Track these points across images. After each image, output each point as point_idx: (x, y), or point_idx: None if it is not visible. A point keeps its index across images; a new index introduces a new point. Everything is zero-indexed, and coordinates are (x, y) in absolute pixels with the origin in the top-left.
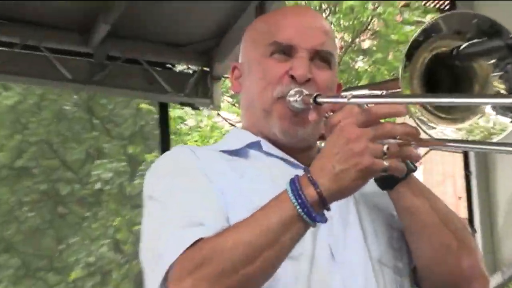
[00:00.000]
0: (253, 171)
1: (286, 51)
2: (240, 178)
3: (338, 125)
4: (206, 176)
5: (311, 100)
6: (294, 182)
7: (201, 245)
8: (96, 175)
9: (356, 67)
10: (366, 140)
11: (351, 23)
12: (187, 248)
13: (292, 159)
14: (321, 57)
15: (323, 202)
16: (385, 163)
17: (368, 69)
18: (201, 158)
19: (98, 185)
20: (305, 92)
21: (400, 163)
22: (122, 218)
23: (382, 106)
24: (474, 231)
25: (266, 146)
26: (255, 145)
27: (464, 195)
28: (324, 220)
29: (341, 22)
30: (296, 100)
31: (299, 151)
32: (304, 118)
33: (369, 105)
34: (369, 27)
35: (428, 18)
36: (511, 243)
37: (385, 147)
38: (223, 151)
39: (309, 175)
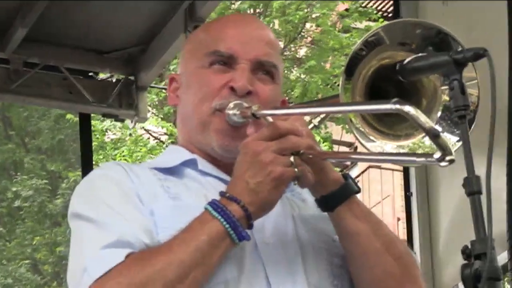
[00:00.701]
0: (186, 192)
1: (227, 61)
2: (172, 199)
3: (242, 143)
4: (136, 195)
5: (250, 113)
6: (214, 203)
7: (129, 265)
8: (14, 191)
9: (292, 77)
10: (272, 151)
11: (282, 27)
12: (114, 268)
13: (228, 178)
14: (264, 69)
15: (248, 217)
16: (296, 169)
17: (302, 77)
18: (132, 176)
19: (17, 203)
20: (245, 105)
21: (308, 172)
22: (41, 237)
23: (285, 122)
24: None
25: (202, 164)
26: (191, 163)
27: (403, 215)
28: (248, 238)
29: (272, 25)
30: (235, 114)
31: None
32: (243, 132)
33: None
34: (303, 33)
35: (368, 24)
36: (452, 268)
37: (291, 158)
38: (157, 169)
39: (227, 194)
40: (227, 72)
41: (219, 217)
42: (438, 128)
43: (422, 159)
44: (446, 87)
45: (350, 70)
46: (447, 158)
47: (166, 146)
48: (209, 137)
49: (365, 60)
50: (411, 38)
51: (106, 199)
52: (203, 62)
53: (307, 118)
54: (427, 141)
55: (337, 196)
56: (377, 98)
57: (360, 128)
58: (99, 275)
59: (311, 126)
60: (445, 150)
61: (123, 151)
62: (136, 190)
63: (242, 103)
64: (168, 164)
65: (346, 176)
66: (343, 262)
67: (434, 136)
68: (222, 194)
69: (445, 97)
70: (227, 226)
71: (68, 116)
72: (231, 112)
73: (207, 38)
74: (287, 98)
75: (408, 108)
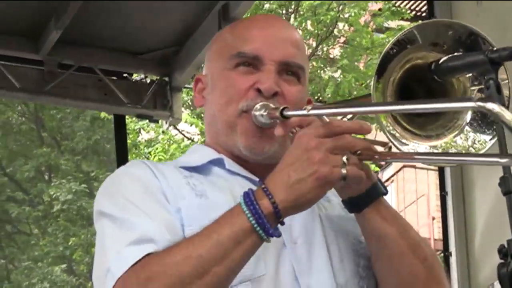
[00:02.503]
0: (213, 190)
1: (252, 63)
2: (199, 197)
3: (297, 135)
4: (161, 192)
5: (278, 114)
6: (248, 195)
7: (148, 260)
8: (51, 195)
9: (326, 76)
10: (325, 149)
11: (314, 27)
12: (135, 264)
13: (255, 178)
14: (290, 70)
15: (277, 214)
16: (344, 170)
17: (335, 76)
18: (157, 174)
19: (56, 207)
20: (272, 106)
21: (360, 171)
22: (77, 238)
23: (345, 121)
24: (449, 254)
25: (229, 163)
26: (218, 162)
27: (438, 215)
28: (278, 234)
29: (304, 25)
30: (262, 115)
31: (266, 169)
32: (270, 133)
33: (331, 117)
34: (335, 32)
35: (400, 23)
36: (488, 267)
37: (345, 158)
38: (183, 167)
39: (263, 187)
40: (253, 74)
41: (247, 211)
42: (469, 129)
43: (507, 160)
44: (476, 87)
45: (381, 70)
46: None
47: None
48: (235, 138)
49: (396, 59)
50: (443, 39)
51: (129, 196)
52: (228, 63)
53: None
54: (459, 140)
55: (365, 198)
56: (406, 98)
57: (391, 131)
58: (121, 273)
59: None
60: None
61: (157, 149)
62: (161, 187)
63: (269, 104)
64: (196, 162)
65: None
66: (369, 263)
67: None
68: (260, 183)
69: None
70: (253, 222)
71: (103, 115)
72: (257, 113)
73: (233, 39)
74: (321, 98)
75: (492, 105)
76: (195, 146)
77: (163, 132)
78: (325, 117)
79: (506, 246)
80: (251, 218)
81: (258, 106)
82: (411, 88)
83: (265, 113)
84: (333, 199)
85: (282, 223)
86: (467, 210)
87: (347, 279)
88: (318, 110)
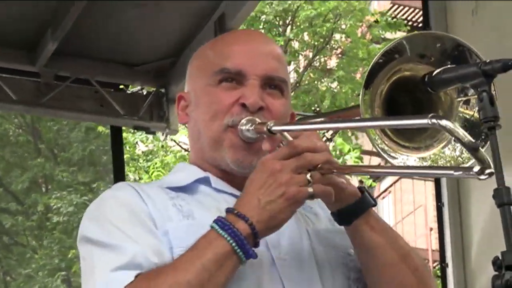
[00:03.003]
0: (200, 210)
1: (236, 78)
2: (186, 218)
3: (259, 161)
4: (148, 216)
5: (265, 129)
6: (220, 221)
7: (135, 284)
8: (46, 202)
9: (323, 87)
10: (289, 170)
11: (310, 38)
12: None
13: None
14: (273, 84)
15: (255, 235)
16: (310, 189)
17: (331, 88)
18: (144, 197)
19: (55, 218)
20: (258, 120)
21: (326, 187)
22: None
23: (302, 139)
24: (445, 265)
25: (214, 182)
26: (204, 181)
27: (435, 226)
28: (255, 256)
29: (301, 36)
30: (248, 129)
31: None
32: (257, 147)
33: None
34: (332, 44)
35: (397, 35)
36: (484, 278)
37: (309, 175)
38: (169, 188)
39: (236, 211)
40: (236, 89)
41: (226, 235)
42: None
43: (460, 172)
44: (462, 98)
45: (368, 81)
46: (487, 171)
47: None
48: (223, 153)
49: (383, 71)
50: (430, 51)
51: (115, 221)
52: (211, 80)
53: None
54: (448, 151)
55: (354, 210)
56: (393, 110)
57: (380, 145)
58: None
59: (323, 139)
60: (483, 163)
61: (156, 163)
62: (149, 211)
63: (255, 118)
64: (181, 182)
65: (362, 190)
66: (360, 276)
67: (473, 149)
68: (229, 210)
69: (462, 109)
70: (233, 244)
71: (99, 128)
72: (244, 128)
73: (214, 55)
74: (318, 109)
75: (446, 122)
76: (180, 165)
77: (162, 146)
78: (286, 133)
79: (500, 258)
80: (231, 241)
81: (244, 121)
82: (398, 100)
83: (251, 128)
84: (319, 213)
85: (257, 245)
86: (464, 221)
87: None
88: (303, 126)
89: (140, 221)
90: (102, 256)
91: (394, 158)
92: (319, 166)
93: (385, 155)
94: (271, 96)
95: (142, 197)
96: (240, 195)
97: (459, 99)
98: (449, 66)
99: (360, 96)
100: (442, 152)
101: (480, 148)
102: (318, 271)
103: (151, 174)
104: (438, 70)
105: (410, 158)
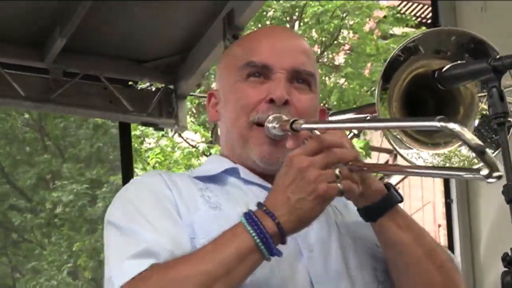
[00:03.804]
0: (227, 201)
1: (263, 72)
2: (213, 209)
3: (287, 156)
4: (173, 205)
5: (288, 127)
6: (250, 215)
7: (151, 274)
8: (54, 197)
9: (331, 83)
10: (317, 167)
11: (318, 35)
12: (137, 276)
13: (270, 185)
14: (300, 78)
15: (282, 234)
16: (340, 185)
17: (339, 84)
18: (171, 186)
19: (59, 209)
20: (284, 118)
21: (354, 185)
22: (82, 243)
23: (331, 133)
24: None
25: (244, 173)
26: (233, 172)
27: (444, 222)
28: (280, 254)
29: (309, 32)
30: (275, 127)
31: None
32: (283, 145)
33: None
34: (340, 40)
35: (405, 31)
36: (493, 275)
37: (337, 171)
38: (199, 178)
39: (264, 208)
40: (263, 84)
41: (251, 230)
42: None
43: (470, 175)
44: (483, 94)
45: (387, 77)
46: (495, 174)
47: (202, 152)
48: (249, 150)
49: (402, 67)
50: (446, 46)
51: (139, 207)
52: (239, 75)
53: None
54: (464, 150)
55: (380, 207)
56: (414, 106)
57: (397, 136)
58: (121, 284)
59: (350, 135)
60: (492, 166)
61: (155, 151)
62: (174, 199)
63: (281, 116)
64: (210, 172)
65: (388, 186)
66: (387, 267)
67: (480, 153)
68: (259, 206)
69: (483, 105)
70: (258, 240)
71: (106, 125)
72: (270, 125)
73: (241, 52)
74: (326, 105)
75: (453, 125)
76: (212, 156)
77: (163, 136)
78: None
79: (510, 254)
80: (255, 237)
81: (270, 118)
82: (418, 96)
83: (277, 125)
84: (350, 205)
85: (285, 242)
86: (472, 217)
87: (365, 285)
88: (326, 124)
89: (164, 208)
90: (119, 241)
91: (409, 148)
92: (348, 163)
93: (398, 147)
94: (298, 91)
95: (169, 185)
96: (270, 190)
97: (480, 94)
98: (459, 62)
99: (377, 91)
100: (459, 151)
101: (487, 151)
102: (345, 264)
103: (150, 161)
104: (447, 66)
105: (423, 152)
